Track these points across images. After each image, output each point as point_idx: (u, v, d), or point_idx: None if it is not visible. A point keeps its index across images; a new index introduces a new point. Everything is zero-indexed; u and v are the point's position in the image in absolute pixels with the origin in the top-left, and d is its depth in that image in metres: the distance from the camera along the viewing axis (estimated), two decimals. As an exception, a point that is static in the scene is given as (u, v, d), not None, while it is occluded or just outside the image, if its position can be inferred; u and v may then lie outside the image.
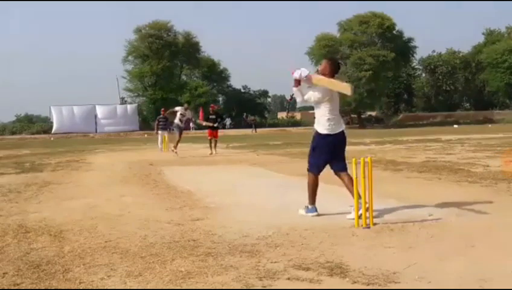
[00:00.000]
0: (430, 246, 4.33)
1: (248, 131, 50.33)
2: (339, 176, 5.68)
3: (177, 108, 18.58)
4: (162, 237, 4.84)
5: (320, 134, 5.60)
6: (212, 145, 17.02)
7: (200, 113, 40.67)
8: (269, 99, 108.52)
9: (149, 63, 59.74)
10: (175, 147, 16.94)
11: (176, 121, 18.09)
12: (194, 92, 59.49)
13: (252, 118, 59.62)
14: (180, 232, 5.02)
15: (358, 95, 58.10)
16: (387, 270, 3.60)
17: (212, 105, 20.78)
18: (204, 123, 17.91)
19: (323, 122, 5.57)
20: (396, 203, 6.27)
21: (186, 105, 19.82)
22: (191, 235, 4.88)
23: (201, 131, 48.77)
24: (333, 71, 5.68)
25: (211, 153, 16.61)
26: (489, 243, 4.39)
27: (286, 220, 5.44)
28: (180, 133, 17.90)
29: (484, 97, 72.82)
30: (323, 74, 5.60)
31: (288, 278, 3.54)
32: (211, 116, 17.71)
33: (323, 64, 5.78)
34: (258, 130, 51.55)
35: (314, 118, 5.71)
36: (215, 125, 17.28)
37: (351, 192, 5.40)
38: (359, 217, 5.08)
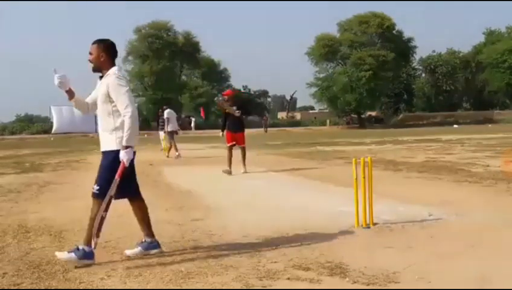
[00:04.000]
0: (430, 246, 4.33)
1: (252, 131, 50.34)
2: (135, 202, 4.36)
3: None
4: (162, 237, 4.83)
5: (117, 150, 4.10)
6: (235, 160, 10.81)
7: (202, 111, 41.08)
8: (269, 99, 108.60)
9: (149, 63, 59.69)
10: (176, 152, 15.92)
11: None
12: (194, 92, 59.51)
13: (265, 117, 59.73)
14: (180, 232, 5.02)
15: (359, 95, 58.14)
16: (387, 270, 3.60)
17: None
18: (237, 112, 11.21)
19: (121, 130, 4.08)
20: (396, 203, 6.27)
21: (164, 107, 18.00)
22: (191, 235, 4.89)
23: (201, 131, 48.98)
24: (112, 55, 4.25)
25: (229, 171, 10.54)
26: (489, 243, 4.39)
27: (286, 220, 5.44)
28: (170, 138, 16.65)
29: (484, 97, 72.78)
30: (100, 62, 4.20)
31: (288, 278, 3.54)
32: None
33: (95, 50, 4.19)
34: (258, 130, 51.41)
35: (115, 127, 4.15)
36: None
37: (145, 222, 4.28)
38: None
